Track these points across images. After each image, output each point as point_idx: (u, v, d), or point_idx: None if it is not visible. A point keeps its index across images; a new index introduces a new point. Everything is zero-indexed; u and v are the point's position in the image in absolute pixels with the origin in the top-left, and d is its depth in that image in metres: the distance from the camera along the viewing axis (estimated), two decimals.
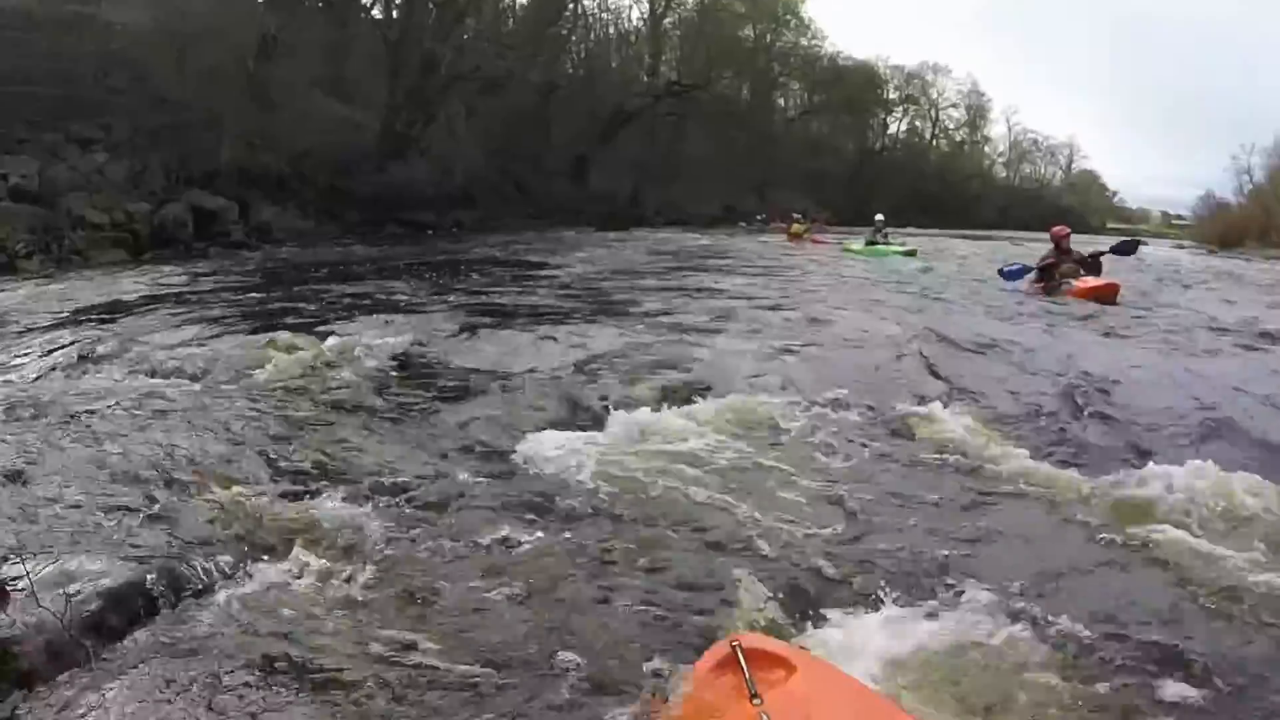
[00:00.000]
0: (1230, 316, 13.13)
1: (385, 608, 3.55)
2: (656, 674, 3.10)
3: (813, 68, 74.58)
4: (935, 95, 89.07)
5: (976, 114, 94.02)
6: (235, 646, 3.22)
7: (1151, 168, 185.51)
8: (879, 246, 26.20)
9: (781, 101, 78.68)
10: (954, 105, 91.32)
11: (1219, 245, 50.21)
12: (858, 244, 27.59)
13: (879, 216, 27.99)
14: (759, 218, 51.74)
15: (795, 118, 78.18)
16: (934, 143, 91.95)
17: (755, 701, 2.26)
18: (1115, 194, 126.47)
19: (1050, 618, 3.51)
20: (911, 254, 25.57)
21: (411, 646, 3.29)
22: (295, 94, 29.98)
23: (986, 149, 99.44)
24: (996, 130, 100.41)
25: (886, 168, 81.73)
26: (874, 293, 15.79)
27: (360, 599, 3.61)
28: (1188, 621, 3.65)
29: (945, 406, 6.62)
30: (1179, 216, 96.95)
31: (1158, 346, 10.37)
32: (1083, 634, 3.43)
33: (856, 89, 76.76)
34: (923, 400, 6.91)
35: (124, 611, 3.40)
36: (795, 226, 35.92)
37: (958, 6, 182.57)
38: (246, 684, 3.01)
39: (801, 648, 2.99)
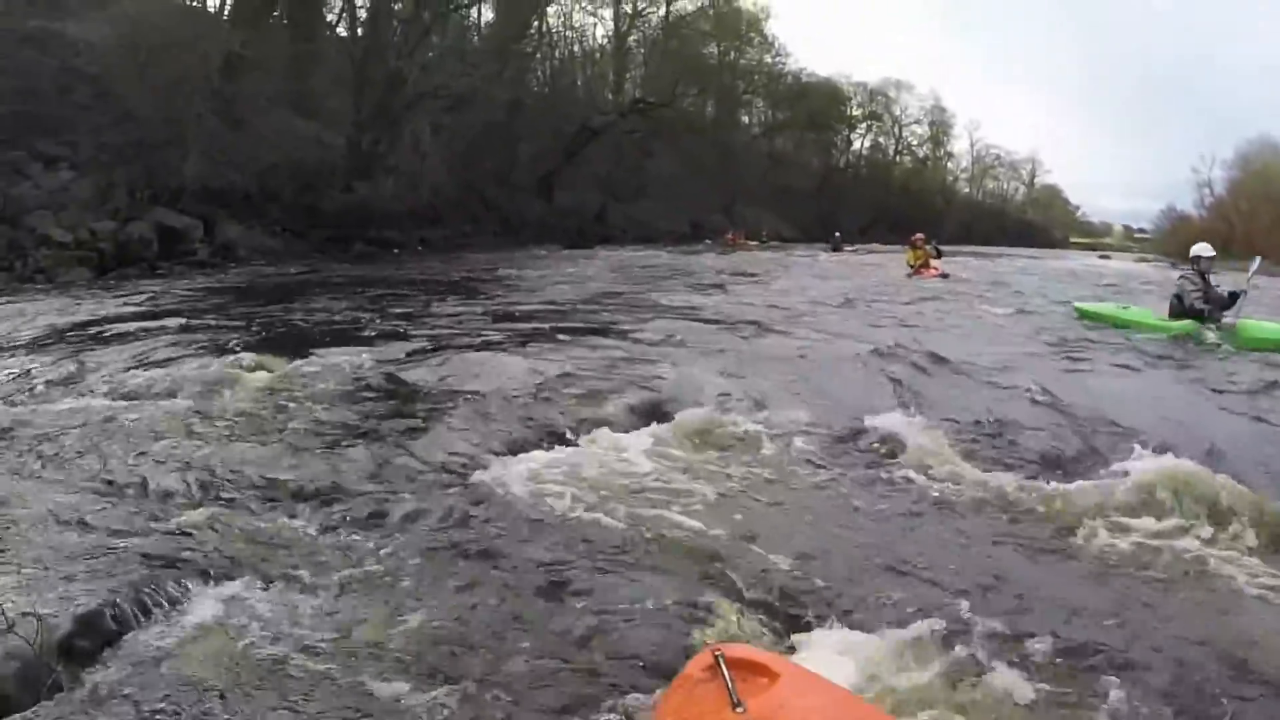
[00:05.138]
0: None
1: (356, 628, 3.55)
2: (639, 686, 3.14)
3: (777, 85, 75.07)
4: (898, 112, 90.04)
5: (939, 130, 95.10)
6: (206, 669, 3.20)
7: (1113, 180, 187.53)
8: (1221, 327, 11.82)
9: (746, 119, 79.20)
10: (917, 121, 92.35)
11: (1181, 258, 50.87)
12: (1138, 309, 14.27)
13: (1201, 250, 12.66)
14: (728, 235, 51.73)
15: (760, 135, 78.57)
16: (898, 158, 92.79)
17: (738, 710, 2.28)
18: (1078, 208, 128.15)
19: (1023, 629, 3.60)
20: None
21: (385, 667, 3.29)
22: (260, 111, 29.85)
23: (950, 165, 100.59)
24: (959, 146, 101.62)
25: (851, 184, 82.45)
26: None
27: (330, 619, 3.60)
28: (1156, 628, 3.75)
29: (915, 422, 6.72)
30: (1141, 230, 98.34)
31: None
32: (1058, 644, 3.51)
33: (820, 106, 77.37)
34: (886, 413, 7.00)
35: (95, 635, 3.38)
36: (915, 252, 25.27)
37: (920, 23, 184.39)
38: (217, 705, 3.00)
39: (783, 656, 3.00)
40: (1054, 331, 13.33)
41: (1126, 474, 5.28)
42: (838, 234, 48.08)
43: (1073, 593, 4.06)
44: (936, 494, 5.36)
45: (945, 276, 23.73)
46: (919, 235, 26.47)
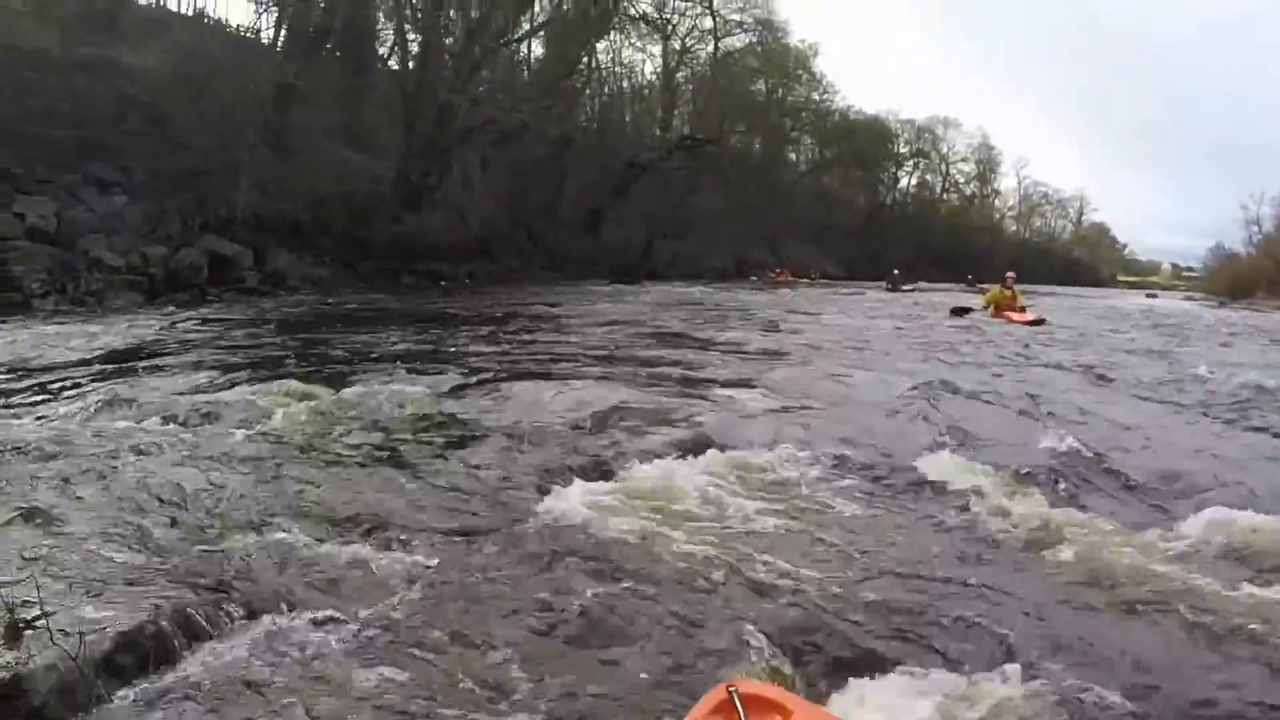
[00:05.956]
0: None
1: (396, 656, 3.55)
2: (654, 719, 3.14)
3: (824, 122, 75.31)
4: (945, 149, 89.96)
5: (986, 167, 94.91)
6: (245, 694, 3.23)
7: (1162, 216, 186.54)
8: None
9: (793, 156, 79.35)
10: (964, 159, 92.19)
11: (1229, 297, 50.38)
12: None
13: None
14: (774, 272, 51.66)
15: (806, 172, 78.72)
16: (944, 196, 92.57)
17: None
18: (1125, 246, 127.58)
19: (1057, 676, 3.50)
20: None
21: (419, 693, 3.30)
22: (312, 142, 30.22)
23: (996, 202, 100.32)
24: (1006, 184, 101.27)
25: (897, 221, 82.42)
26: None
27: (372, 647, 3.61)
28: (1203, 676, 3.63)
29: (955, 460, 6.68)
30: (1189, 268, 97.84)
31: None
32: (1089, 695, 3.38)
33: (867, 143, 77.51)
34: (933, 454, 6.88)
35: (136, 653, 3.41)
36: (997, 293, 23.75)
37: (969, 61, 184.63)
38: None
39: (796, 694, 2.99)
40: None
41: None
42: (895, 271, 46.67)
43: (1122, 648, 3.90)
44: (976, 535, 5.27)
45: (1040, 323, 21.00)
46: (1010, 274, 24.24)
